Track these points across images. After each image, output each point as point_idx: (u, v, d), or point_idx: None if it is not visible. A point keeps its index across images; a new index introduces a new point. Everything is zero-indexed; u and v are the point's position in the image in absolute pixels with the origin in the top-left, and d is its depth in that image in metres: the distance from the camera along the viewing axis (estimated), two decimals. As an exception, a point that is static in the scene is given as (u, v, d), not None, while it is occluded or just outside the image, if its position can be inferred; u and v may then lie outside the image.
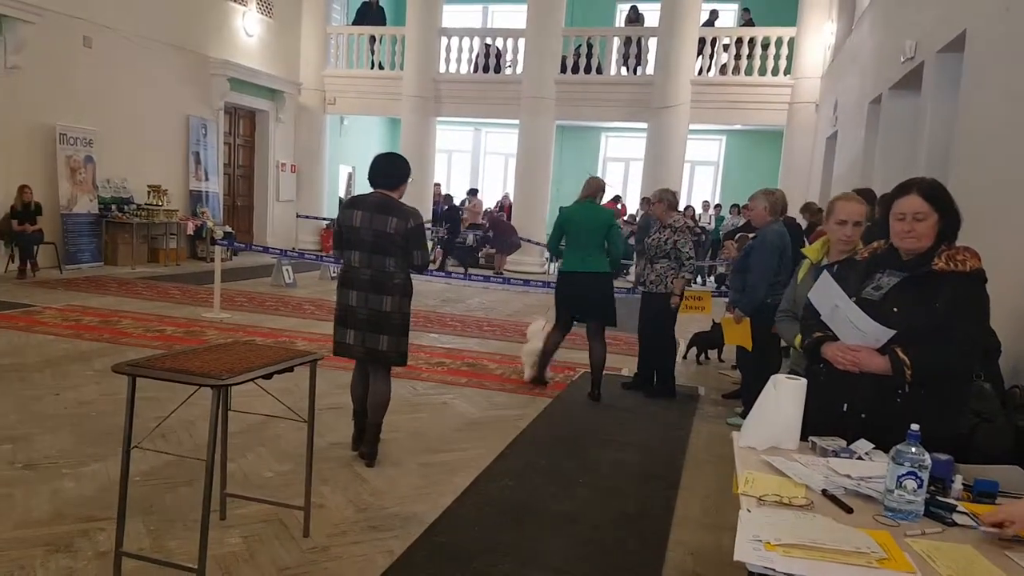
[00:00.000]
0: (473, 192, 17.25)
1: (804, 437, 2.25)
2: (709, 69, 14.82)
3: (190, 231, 13.19)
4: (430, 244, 16.28)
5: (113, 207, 11.81)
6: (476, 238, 15.84)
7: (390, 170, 4.06)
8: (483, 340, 8.02)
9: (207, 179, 14.04)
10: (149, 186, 12.41)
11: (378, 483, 3.89)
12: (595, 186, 5.83)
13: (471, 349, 7.48)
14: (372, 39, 16.61)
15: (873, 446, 2.18)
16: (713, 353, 7.53)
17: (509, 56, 15.94)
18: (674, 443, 4.91)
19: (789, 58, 14.14)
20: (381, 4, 17.22)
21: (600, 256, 5.67)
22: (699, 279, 13.60)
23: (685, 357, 7.47)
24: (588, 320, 5.82)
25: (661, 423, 5.34)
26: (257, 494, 3.51)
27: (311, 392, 3.14)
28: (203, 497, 2.56)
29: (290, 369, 2.94)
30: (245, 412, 3.79)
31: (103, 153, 11.52)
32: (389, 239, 3.92)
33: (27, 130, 10.38)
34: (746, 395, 5.55)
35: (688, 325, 7.55)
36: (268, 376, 2.80)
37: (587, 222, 5.67)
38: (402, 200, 4.07)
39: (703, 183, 19.06)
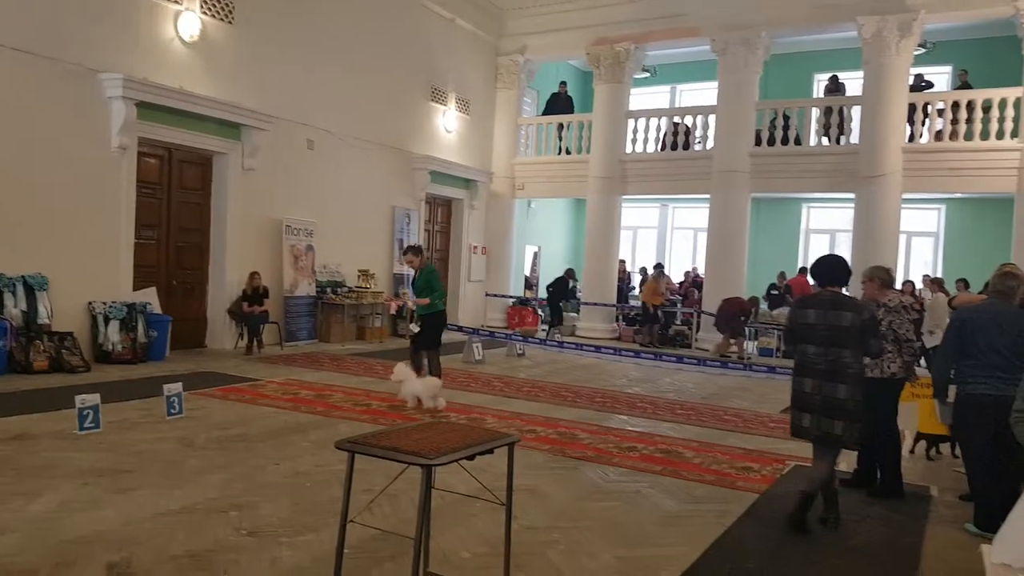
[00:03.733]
0: (659, 268, 16.80)
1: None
2: (921, 135, 13.78)
3: (392, 311, 14.05)
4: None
5: (328, 290, 12.91)
6: (664, 315, 15.53)
7: (837, 272, 4.64)
8: (677, 424, 7.66)
9: (409, 263, 15.00)
10: (359, 270, 13.51)
11: (573, 574, 3.74)
12: None
13: (664, 434, 7.15)
14: (560, 127, 17.22)
15: None
16: (946, 447, 6.66)
17: (699, 132, 15.80)
18: (904, 551, 4.34)
19: (1016, 120, 12.80)
20: (569, 93, 17.89)
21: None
22: (923, 361, 12.26)
23: (912, 451, 6.67)
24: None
25: (887, 527, 4.75)
26: (455, 574, 3.49)
27: (509, 474, 3.11)
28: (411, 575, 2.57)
29: (490, 451, 2.95)
30: (445, 490, 3.83)
31: (321, 241, 12.72)
32: (845, 332, 4.38)
33: (259, 223, 11.72)
34: (975, 496, 4.83)
35: (915, 416, 6.78)
36: (471, 457, 2.82)
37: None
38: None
39: (922, 255, 17.46)
